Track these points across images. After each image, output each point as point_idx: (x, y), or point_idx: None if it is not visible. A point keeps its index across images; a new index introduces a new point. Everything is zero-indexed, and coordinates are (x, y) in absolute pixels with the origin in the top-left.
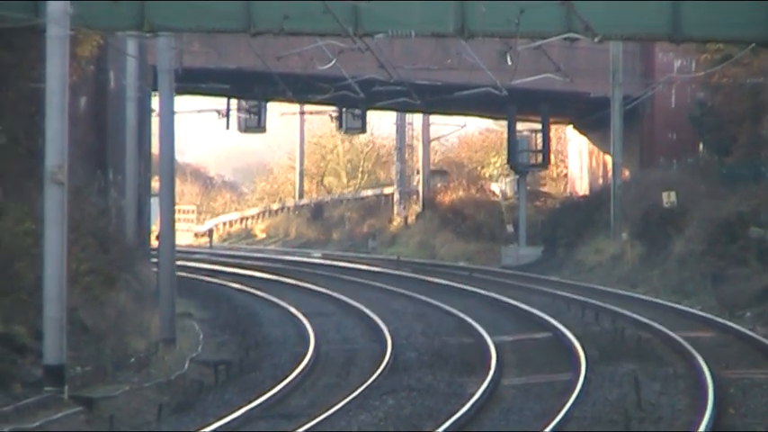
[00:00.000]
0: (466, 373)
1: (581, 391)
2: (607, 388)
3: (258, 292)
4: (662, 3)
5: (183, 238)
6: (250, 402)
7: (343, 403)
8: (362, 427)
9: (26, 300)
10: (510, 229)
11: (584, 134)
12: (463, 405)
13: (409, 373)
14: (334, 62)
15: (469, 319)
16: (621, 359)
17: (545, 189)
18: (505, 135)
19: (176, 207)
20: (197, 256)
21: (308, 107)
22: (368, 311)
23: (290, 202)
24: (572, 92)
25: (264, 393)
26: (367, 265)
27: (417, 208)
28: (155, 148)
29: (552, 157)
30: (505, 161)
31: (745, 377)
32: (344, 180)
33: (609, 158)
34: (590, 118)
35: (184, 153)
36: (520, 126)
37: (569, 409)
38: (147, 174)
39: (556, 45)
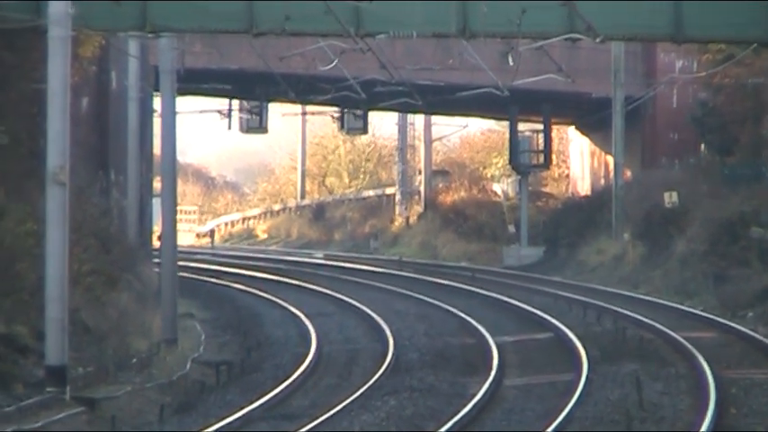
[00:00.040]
0: (468, 374)
1: (583, 391)
2: (609, 388)
3: (260, 293)
4: (664, 3)
5: (185, 238)
6: (252, 403)
7: (345, 404)
8: (364, 427)
9: (28, 300)
10: (512, 229)
11: (586, 134)
12: (465, 405)
13: (411, 373)
14: (335, 63)
15: (471, 320)
16: (623, 359)
17: (547, 189)
18: (507, 135)
19: (178, 207)
20: (199, 256)
21: (309, 108)
22: (370, 312)
23: (292, 203)
24: (574, 92)
25: (266, 394)
26: (369, 265)
27: (419, 208)
28: (156, 148)
29: (554, 157)
30: (507, 161)
31: (747, 377)
32: (346, 180)
33: (610, 159)
34: (592, 118)
35: (186, 153)
36: (521, 126)
37: (571, 410)
38: (148, 174)
39: (557, 45)
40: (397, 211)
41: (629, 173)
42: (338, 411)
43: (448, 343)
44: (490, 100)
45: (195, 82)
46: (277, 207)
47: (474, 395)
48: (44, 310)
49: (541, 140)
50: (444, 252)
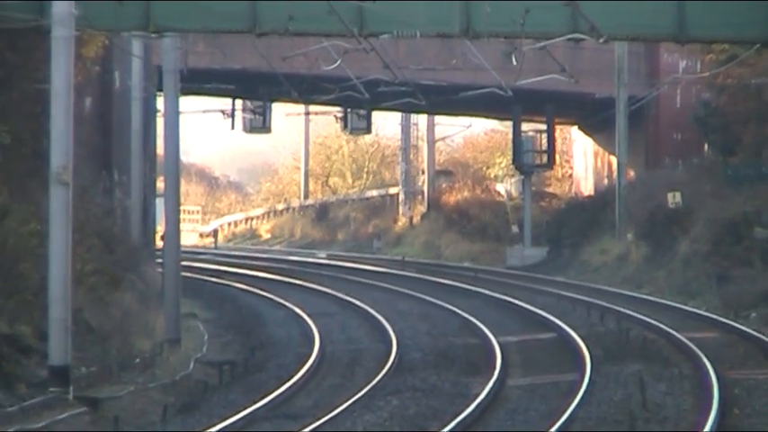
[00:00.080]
0: (471, 374)
1: (586, 391)
2: (612, 388)
3: (263, 293)
4: (667, 3)
5: (188, 238)
6: (255, 403)
7: (348, 404)
8: (367, 427)
9: (31, 300)
10: (515, 229)
11: (590, 135)
12: (468, 405)
13: (414, 373)
14: (339, 63)
15: (474, 320)
16: (626, 360)
17: (550, 189)
18: (510, 135)
19: (181, 207)
20: (202, 256)
21: (313, 108)
22: (373, 312)
23: (295, 203)
24: (577, 92)
25: (269, 394)
26: (372, 265)
27: (422, 208)
28: (160, 148)
29: (557, 157)
30: (510, 161)
31: (750, 378)
32: (349, 180)
33: (614, 159)
34: (595, 118)
35: (189, 153)
36: (525, 126)
37: (574, 410)
38: (152, 174)
39: (561, 45)
40: (400, 211)
41: (632, 173)
42: (341, 411)
43: (451, 343)
44: (493, 100)
45: (198, 82)
46: (280, 207)
47: (477, 395)
48: (47, 310)
49: (545, 140)
50: (447, 252)
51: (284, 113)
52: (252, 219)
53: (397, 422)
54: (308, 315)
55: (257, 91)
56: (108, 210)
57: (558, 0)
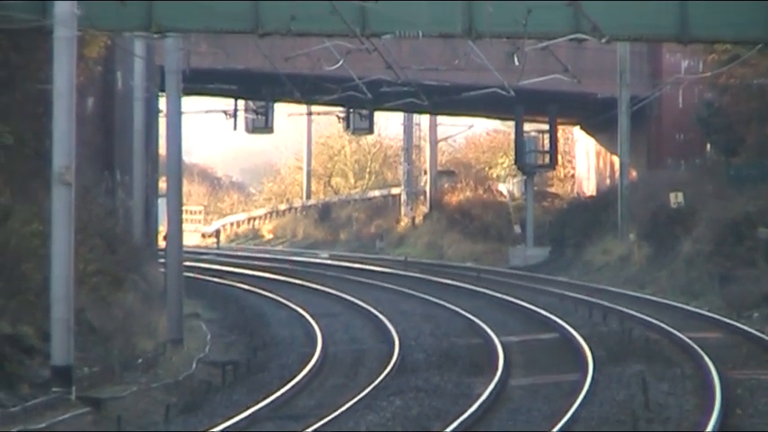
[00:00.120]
0: (473, 374)
1: (588, 391)
2: (615, 389)
3: (266, 293)
4: (669, 3)
5: (191, 238)
6: (258, 403)
7: (351, 404)
8: (370, 427)
9: (33, 301)
10: (517, 229)
11: (592, 135)
12: (471, 405)
13: (417, 373)
14: (341, 63)
15: (477, 320)
16: (629, 360)
17: (552, 190)
18: (513, 136)
19: (184, 208)
20: (204, 256)
21: (315, 108)
22: (375, 312)
23: (298, 203)
24: (579, 92)
25: (272, 394)
26: (374, 265)
27: (425, 209)
28: (162, 148)
29: (559, 157)
30: (513, 162)
31: (753, 378)
32: (352, 181)
33: (616, 159)
34: (597, 119)
35: (192, 154)
36: (527, 127)
37: (577, 410)
38: (154, 174)
39: (563, 46)
40: (402, 212)
41: (634, 173)
42: (344, 411)
43: (453, 343)
44: (496, 100)
45: (201, 82)
46: (283, 207)
47: (480, 395)
48: (50, 310)
49: (547, 141)
50: (450, 252)
51: (287, 114)
52: (254, 219)
53: (399, 422)
54: (311, 315)
55: (260, 91)
56: (110, 210)
57: (560, 0)
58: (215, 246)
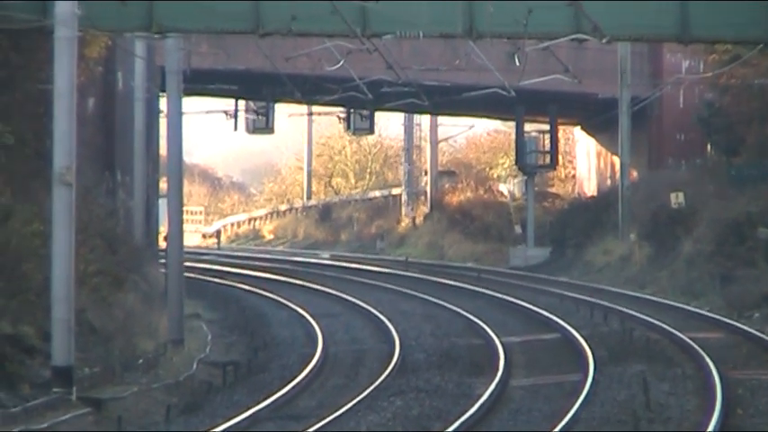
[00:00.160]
0: (474, 374)
1: (589, 391)
2: (616, 389)
3: (266, 293)
4: (670, 3)
5: (191, 239)
6: (259, 403)
7: (352, 404)
8: (371, 427)
9: (34, 301)
10: (518, 229)
11: (593, 135)
12: (472, 406)
13: (417, 374)
14: (342, 63)
15: (478, 320)
16: (630, 360)
17: (553, 190)
18: (513, 136)
19: (184, 208)
20: (205, 257)
21: (315, 108)
22: (376, 312)
23: (298, 203)
24: (580, 93)
25: (273, 394)
26: (375, 266)
27: (425, 209)
28: (163, 149)
29: (560, 158)
30: (513, 162)
31: (754, 378)
32: (352, 181)
33: (617, 159)
34: (598, 119)
35: (192, 154)
36: (528, 127)
37: (578, 410)
38: (155, 175)
39: (564, 46)
40: (403, 212)
41: (635, 173)
42: (345, 412)
43: (454, 343)
44: (496, 100)
45: (201, 82)
46: (283, 207)
47: (480, 396)
48: (50, 310)
49: (548, 141)
50: (451, 253)
51: (287, 114)
52: (255, 219)
53: (400, 423)
54: (312, 316)
55: (260, 91)
56: (111, 210)
57: (560, 0)
58: (216, 246)
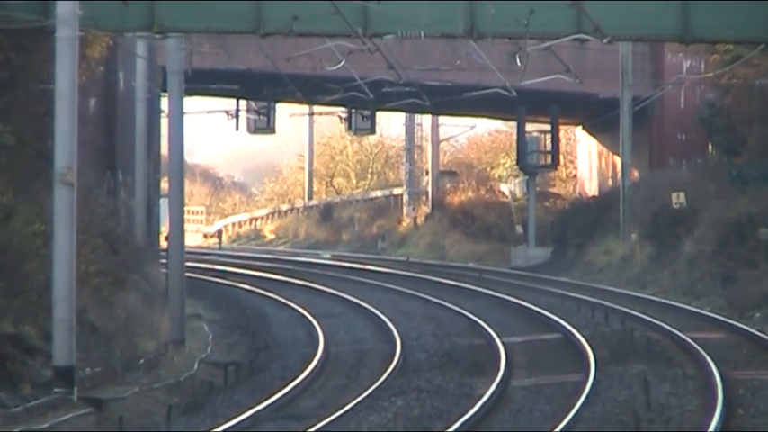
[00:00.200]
0: (475, 374)
1: (590, 391)
2: (616, 389)
3: (268, 293)
4: (671, 3)
5: (193, 239)
6: (259, 403)
7: (353, 404)
8: (372, 428)
9: (36, 301)
10: (519, 229)
11: (594, 135)
12: (473, 406)
13: (419, 374)
14: (343, 63)
15: (479, 320)
16: (631, 360)
17: (554, 190)
18: (515, 136)
19: (185, 208)
20: (206, 257)
21: (317, 108)
22: (377, 312)
23: (300, 203)
24: (581, 93)
25: (274, 394)
26: (376, 266)
27: (426, 209)
28: (164, 149)
29: (561, 158)
30: (515, 162)
31: (755, 378)
32: (354, 181)
33: (618, 159)
34: (599, 119)
35: (194, 154)
36: (529, 127)
37: (579, 410)
38: (156, 175)
39: (565, 46)
40: (404, 212)
41: (636, 173)
42: (346, 412)
43: (455, 344)
44: (498, 100)
45: (203, 82)
46: (285, 207)
47: (482, 396)
48: (52, 310)
49: (549, 141)
50: (452, 253)
51: (288, 114)
52: (256, 219)
53: (401, 423)
54: (313, 316)
55: (261, 91)
56: (112, 210)
57: (562, 0)
58: (217, 246)
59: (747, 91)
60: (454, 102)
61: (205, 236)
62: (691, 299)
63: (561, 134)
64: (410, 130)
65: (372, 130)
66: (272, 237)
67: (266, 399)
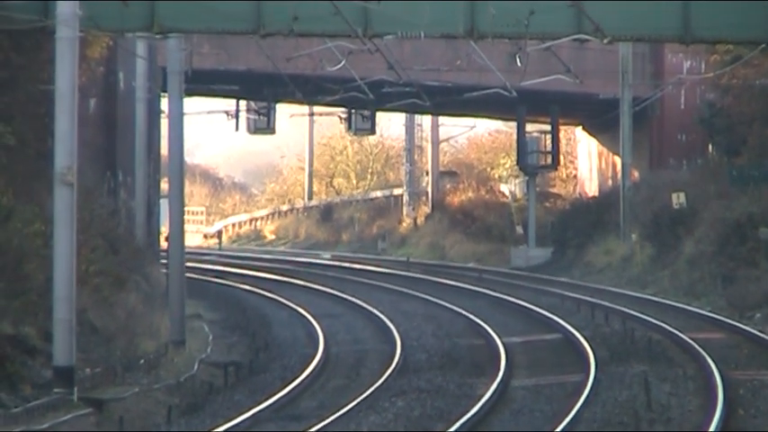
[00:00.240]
0: (476, 375)
1: (591, 392)
2: (617, 389)
3: (268, 294)
4: (672, 4)
5: (193, 239)
6: (260, 404)
7: (353, 405)
8: (372, 428)
9: (36, 301)
10: (519, 230)
11: (594, 135)
12: (473, 406)
13: (419, 374)
14: (343, 63)
15: (479, 321)
16: (631, 360)
17: (554, 190)
18: (515, 136)
19: (186, 208)
20: (206, 257)
21: (317, 108)
22: (377, 313)
23: (300, 204)
24: (581, 93)
25: (274, 395)
26: (376, 266)
27: (427, 209)
28: (164, 149)
29: (562, 158)
30: (515, 162)
31: (755, 378)
32: (354, 181)
33: (618, 160)
34: (599, 119)
35: (194, 154)
36: (529, 127)
37: (579, 411)
38: (156, 175)
39: (565, 46)
40: (404, 212)
41: (636, 174)
42: (346, 412)
43: (455, 344)
44: (498, 101)
45: (203, 83)
46: (285, 208)
47: (482, 396)
48: (52, 310)
49: (549, 141)
50: (452, 253)
51: (288, 114)
52: (256, 220)
53: (401, 423)
54: (313, 316)
55: (262, 92)
56: (112, 211)
57: (562, 0)
58: (217, 246)
59: (748, 91)
60: (454, 102)
61: (205, 236)
62: (691, 299)
63: (561, 134)
64: (410, 130)
65: (372, 131)
66: (272, 237)
67: (266, 399)
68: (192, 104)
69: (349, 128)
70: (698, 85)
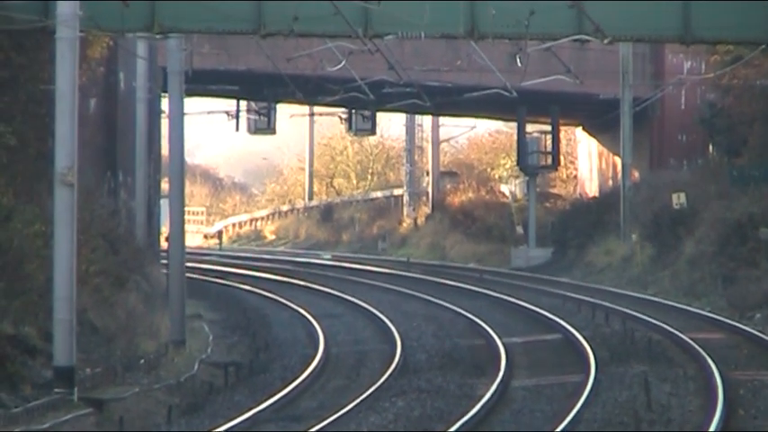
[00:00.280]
0: (476, 375)
1: (591, 392)
2: (617, 389)
3: (268, 294)
4: (672, 4)
5: (193, 239)
6: (260, 404)
7: (353, 405)
8: (372, 428)
9: (36, 301)
10: (520, 230)
11: (594, 136)
12: (473, 406)
13: (419, 374)
14: (343, 63)
15: (480, 321)
16: (632, 360)
17: (555, 190)
18: (515, 137)
19: (186, 208)
20: (207, 257)
21: (317, 109)
22: (378, 313)
23: (300, 204)
24: (582, 93)
25: (274, 395)
26: (377, 266)
27: (427, 209)
28: (164, 149)
29: (562, 158)
30: (515, 163)
31: (755, 378)
32: (354, 181)
33: (618, 160)
34: (600, 119)
35: (194, 155)
36: (530, 128)
37: (579, 411)
38: (156, 175)
39: (566, 47)
40: (405, 213)
41: (637, 174)
42: (346, 413)
43: (456, 344)
44: (498, 101)
45: (203, 83)
46: (285, 208)
47: (482, 396)
48: (52, 310)
49: (549, 142)
50: (452, 253)
51: (289, 114)
52: (256, 220)
53: (402, 423)
54: (313, 316)
55: (262, 92)
56: (113, 211)
57: (562, 1)
58: (217, 247)
59: (748, 91)
60: (455, 102)
61: (205, 236)
62: (691, 299)
63: (562, 135)
64: (410, 130)
65: (373, 131)
66: (273, 237)
67: (266, 399)
68: (192, 104)
69: (349, 128)
70: (698, 86)
